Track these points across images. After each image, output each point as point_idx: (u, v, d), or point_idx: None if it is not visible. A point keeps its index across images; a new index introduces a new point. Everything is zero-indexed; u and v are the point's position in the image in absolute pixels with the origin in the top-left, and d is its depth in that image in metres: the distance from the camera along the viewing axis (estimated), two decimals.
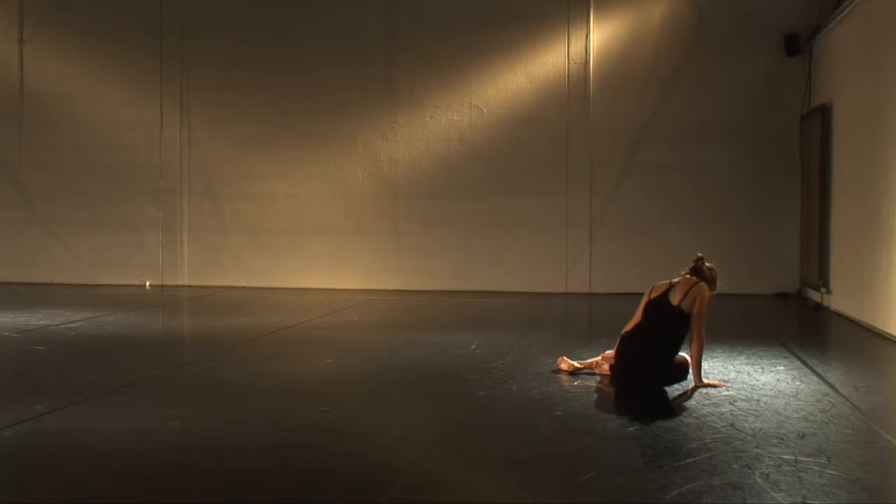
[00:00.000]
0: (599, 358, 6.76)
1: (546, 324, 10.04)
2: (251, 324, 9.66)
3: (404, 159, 13.66)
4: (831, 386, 6.31)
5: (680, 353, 6.40)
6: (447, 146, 13.53)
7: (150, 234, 14.28)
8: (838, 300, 10.75)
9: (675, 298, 6.31)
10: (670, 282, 6.46)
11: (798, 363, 7.21)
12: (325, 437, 5.00)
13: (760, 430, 5.04)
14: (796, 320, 10.88)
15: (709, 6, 12.85)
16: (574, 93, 13.15)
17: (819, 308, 11.29)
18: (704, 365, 6.46)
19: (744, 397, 5.90)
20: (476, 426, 5.36)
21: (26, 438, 4.92)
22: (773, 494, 3.93)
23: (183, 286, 14.04)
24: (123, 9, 14.24)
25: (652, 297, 6.46)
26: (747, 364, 7.14)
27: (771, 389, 6.17)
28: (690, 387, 6.21)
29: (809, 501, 3.85)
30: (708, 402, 5.78)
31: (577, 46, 13.14)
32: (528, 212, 13.31)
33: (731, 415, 5.41)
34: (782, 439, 4.83)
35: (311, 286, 13.68)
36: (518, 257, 13.34)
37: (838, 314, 10.54)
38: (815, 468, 4.31)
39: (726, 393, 6.04)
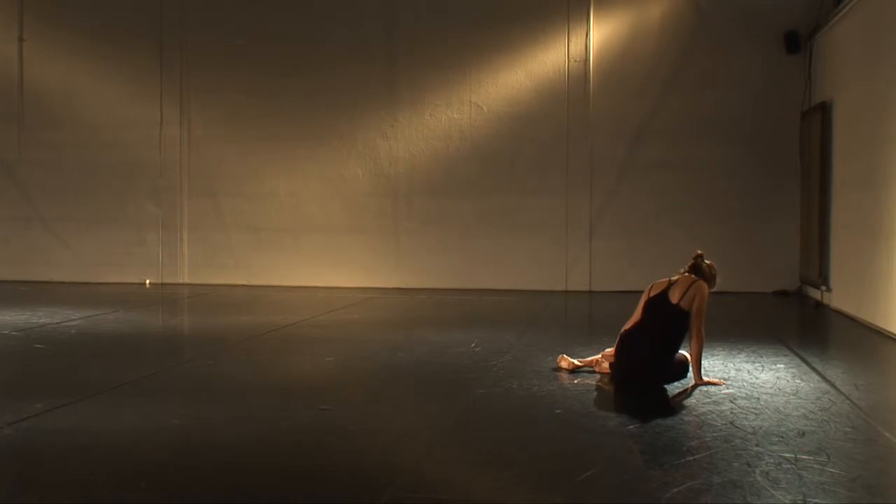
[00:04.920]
0: (599, 356, 6.76)
1: (546, 322, 10.04)
2: (251, 322, 9.66)
3: (404, 157, 13.66)
4: (831, 384, 6.31)
5: (680, 351, 6.40)
6: (447, 144, 13.53)
7: (150, 232, 14.28)
8: (838, 298, 10.74)
9: (674, 297, 6.30)
10: (669, 280, 6.46)
11: (798, 361, 7.21)
12: (326, 436, 4.99)
13: (760, 427, 5.04)
14: (796, 318, 10.88)
15: (709, 4, 12.85)
16: (574, 91, 13.15)
17: (819, 306, 11.29)
18: (704, 363, 6.45)
19: (744, 395, 5.90)
20: (476, 424, 5.36)
21: (26, 437, 4.92)
22: (774, 492, 3.93)
23: (183, 284, 14.04)
24: (123, 7, 14.24)
25: (651, 295, 6.46)
26: (747, 362, 7.14)
27: (771, 387, 6.17)
28: (690, 385, 6.21)
29: (809, 499, 3.85)
30: (708, 400, 5.78)
31: (577, 45, 13.13)
32: (528, 210, 13.31)
33: (731, 413, 5.41)
34: (782, 437, 4.83)
35: (311, 284, 13.68)
36: (518, 255, 13.33)
37: (838, 312, 10.53)
38: (816, 466, 4.31)
39: (726, 391, 6.04)
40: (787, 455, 4.49)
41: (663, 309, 6.32)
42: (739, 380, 6.42)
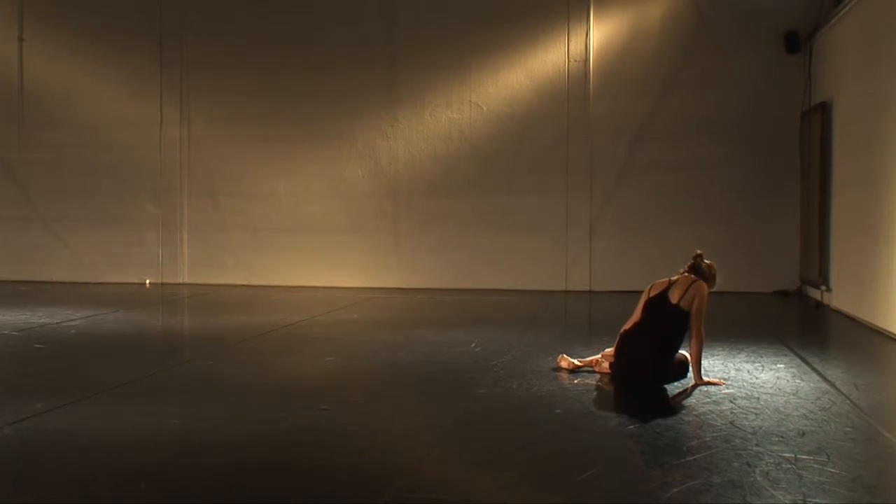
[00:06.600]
0: (599, 356, 6.76)
1: (546, 322, 10.04)
2: (251, 322, 9.66)
3: (404, 157, 13.66)
4: (831, 384, 6.31)
5: (680, 351, 6.40)
6: (447, 144, 13.53)
7: (150, 231, 14.29)
8: (838, 298, 10.74)
9: (674, 296, 6.30)
10: (669, 280, 6.46)
11: (798, 361, 7.21)
12: (326, 436, 4.99)
13: (760, 427, 5.04)
14: (796, 318, 10.88)
15: (709, 4, 12.85)
16: (574, 91, 13.15)
17: (819, 306, 11.29)
18: (704, 363, 6.46)
19: (744, 395, 5.90)
20: (476, 424, 5.36)
21: (26, 437, 4.92)
22: (774, 492, 3.93)
23: (183, 284, 14.04)
24: (123, 7, 14.24)
25: (651, 295, 6.46)
26: (747, 362, 7.14)
27: (771, 387, 6.17)
28: (690, 385, 6.21)
29: (809, 499, 3.85)
30: (708, 399, 5.78)
31: (576, 44, 13.13)
32: (528, 210, 13.31)
33: (731, 413, 5.41)
34: (782, 437, 4.83)
35: (311, 284, 13.68)
36: (518, 255, 13.34)
37: (838, 312, 10.54)
38: (816, 466, 4.31)
39: (726, 391, 6.04)
40: (787, 455, 4.49)
41: (663, 309, 6.32)
42: (739, 380, 6.42)
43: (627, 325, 6.51)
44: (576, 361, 6.81)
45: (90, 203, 14.39)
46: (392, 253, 13.71)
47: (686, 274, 6.44)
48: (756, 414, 5.37)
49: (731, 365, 7.00)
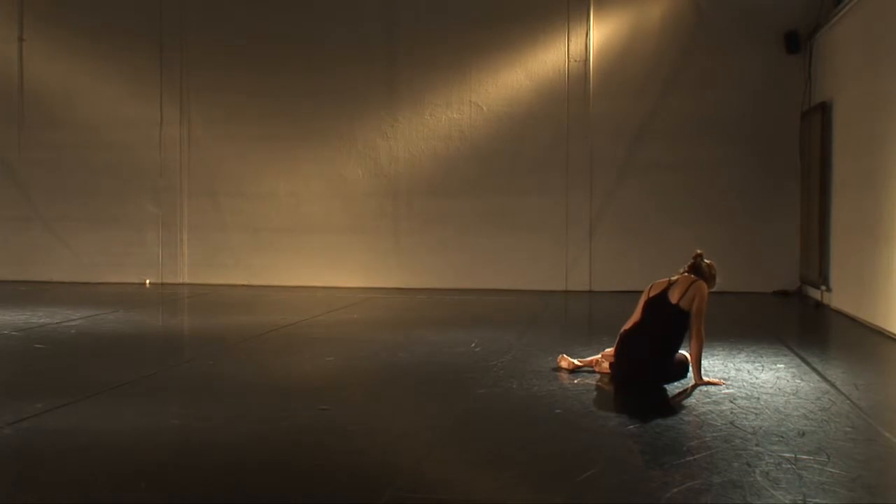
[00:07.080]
0: (599, 356, 6.76)
1: (546, 322, 10.04)
2: (251, 322, 9.66)
3: (404, 157, 13.66)
4: (831, 384, 6.31)
5: (680, 351, 6.40)
6: (447, 144, 13.53)
7: (150, 231, 14.29)
8: (838, 298, 10.74)
9: (674, 296, 6.30)
10: (669, 280, 6.46)
11: (798, 361, 7.21)
12: (326, 436, 4.99)
13: (760, 427, 5.04)
14: (796, 318, 10.88)
15: (709, 4, 12.85)
16: (574, 91, 13.15)
17: (819, 306, 11.29)
18: (704, 363, 6.46)
19: (744, 395, 5.90)
20: (476, 424, 5.36)
21: (26, 437, 4.92)
22: (774, 492, 3.93)
23: (183, 284, 14.04)
24: (123, 7, 14.24)
25: (651, 295, 6.46)
26: (747, 362, 7.14)
27: (771, 387, 6.17)
28: (690, 385, 6.21)
29: (809, 499, 3.85)
30: (708, 399, 5.78)
31: (577, 44, 13.13)
32: (528, 210, 13.31)
33: (731, 413, 5.41)
34: (782, 437, 4.83)
35: (311, 284, 13.68)
36: (518, 255, 13.34)
37: (838, 312, 10.53)
38: (816, 466, 4.31)
39: (726, 391, 6.04)
40: (787, 455, 4.49)
41: (663, 309, 6.33)
42: (739, 380, 6.42)
43: (627, 325, 6.51)
44: (576, 361, 6.81)
45: (90, 203, 14.39)
46: (392, 253, 13.71)
47: (686, 274, 6.44)
48: (756, 414, 5.37)
49: (731, 365, 7.00)
